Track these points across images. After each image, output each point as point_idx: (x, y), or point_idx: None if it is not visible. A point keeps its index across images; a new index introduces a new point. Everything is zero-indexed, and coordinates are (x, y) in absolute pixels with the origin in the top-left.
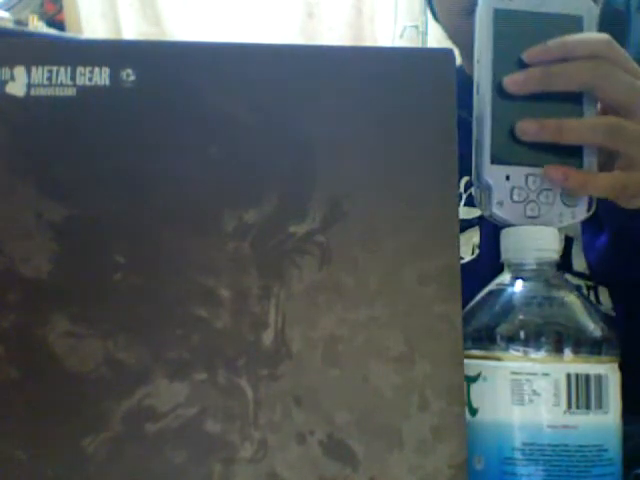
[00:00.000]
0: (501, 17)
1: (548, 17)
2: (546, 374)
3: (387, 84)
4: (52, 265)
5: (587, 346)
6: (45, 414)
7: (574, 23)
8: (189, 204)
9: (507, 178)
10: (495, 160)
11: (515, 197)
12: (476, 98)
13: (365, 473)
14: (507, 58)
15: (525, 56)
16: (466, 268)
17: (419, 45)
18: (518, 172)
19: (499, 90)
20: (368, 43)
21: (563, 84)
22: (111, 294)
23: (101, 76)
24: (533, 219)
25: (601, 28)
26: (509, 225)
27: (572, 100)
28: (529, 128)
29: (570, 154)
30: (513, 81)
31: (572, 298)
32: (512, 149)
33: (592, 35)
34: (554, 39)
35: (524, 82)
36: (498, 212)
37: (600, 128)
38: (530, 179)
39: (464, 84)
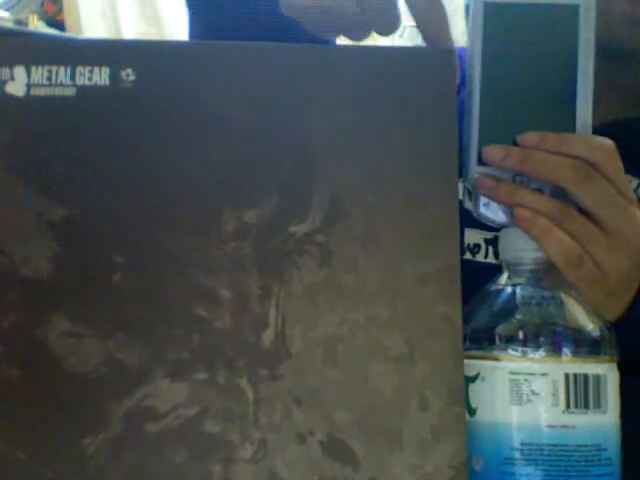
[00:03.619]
0: (491, 11)
1: (541, 8)
2: (544, 374)
3: (387, 83)
4: (52, 265)
5: (585, 346)
6: (45, 414)
7: (569, 13)
8: (189, 204)
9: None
10: (482, 160)
11: None
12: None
13: (365, 473)
14: (497, 55)
15: (520, 139)
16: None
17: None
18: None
19: (487, 88)
20: (368, 43)
21: (537, 174)
22: (111, 294)
23: (101, 76)
24: None
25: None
26: (503, 226)
27: (564, 105)
28: (494, 154)
29: None
30: (491, 154)
31: (570, 298)
32: None
33: (595, 140)
34: (554, 133)
35: (501, 160)
36: (485, 212)
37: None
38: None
39: None
